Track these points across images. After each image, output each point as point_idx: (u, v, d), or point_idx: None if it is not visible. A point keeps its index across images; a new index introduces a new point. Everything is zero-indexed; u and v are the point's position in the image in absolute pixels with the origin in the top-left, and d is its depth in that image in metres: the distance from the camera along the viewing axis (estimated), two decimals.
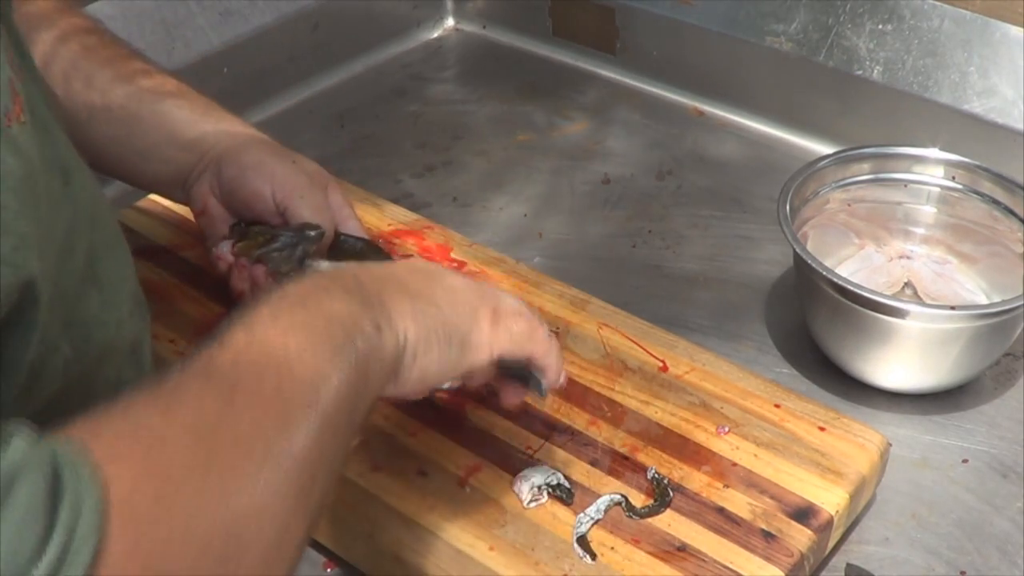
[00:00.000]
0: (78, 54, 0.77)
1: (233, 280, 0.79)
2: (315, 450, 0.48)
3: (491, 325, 0.62)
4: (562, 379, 0.67)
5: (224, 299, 0.84)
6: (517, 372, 0.65)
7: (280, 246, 0.76)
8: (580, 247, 1.01)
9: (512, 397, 0.68)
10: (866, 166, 0.91)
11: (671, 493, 0.69)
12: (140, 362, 0.63)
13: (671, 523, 0.68)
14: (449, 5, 1.36)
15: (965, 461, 0.80)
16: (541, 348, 0.64)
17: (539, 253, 1.00)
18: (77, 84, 0.77)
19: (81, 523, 0.39)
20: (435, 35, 1.35)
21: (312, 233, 0.76)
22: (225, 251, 0.79)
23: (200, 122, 0.79)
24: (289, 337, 0.51)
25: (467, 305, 0.61)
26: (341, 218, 0.80)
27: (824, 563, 0.72)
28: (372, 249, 0.80)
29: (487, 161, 1.13)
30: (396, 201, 0.97)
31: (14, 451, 0.39)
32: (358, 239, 0.80)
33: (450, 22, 1.36)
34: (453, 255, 0.89)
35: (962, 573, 0.72)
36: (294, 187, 0.77)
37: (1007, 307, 0.79)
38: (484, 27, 1.35)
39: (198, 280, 0.86)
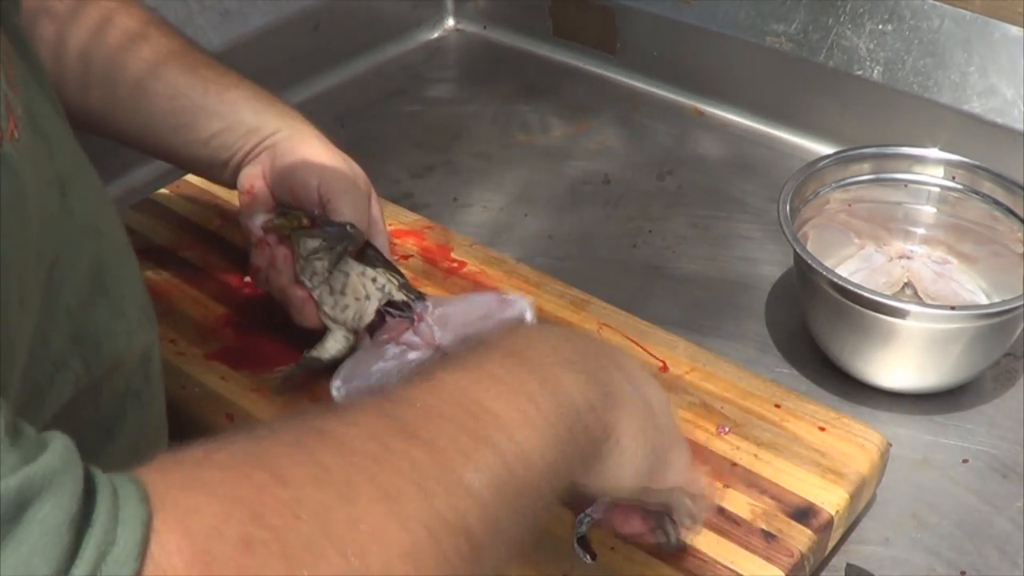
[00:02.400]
0: (123, 42, 0.78)
1: (253, 256, 0.80)
2: (491, 508, 0.43)
3: (685, 454, 0.58)
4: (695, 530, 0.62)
5: (224, 299, 0.84)
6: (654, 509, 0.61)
7: (322, 240, 0.76)
8: (580, 247, 1.01)
9: (637, 529, 0.62)
10: (866, 166, 0.91)
11: None
12: (149, 373, 0.62)
13: None
14: (449, 5, 1.36)
15: (965, 461, 0.80)
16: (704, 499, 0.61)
17: (539, 253, 1.00)
18: (122, 75, 0.78)
19: (115, 548, 0.34)
20: (435, 35, 1.35)
21: (352, 231, 0.76)
22: (257, 224, 0.80)
23: (264, 111, 0.81)
24: (487, 380, 0.47)
25: (671, 422, 0.58)
26: (373, 233, 0.81)
27: (824, 563, 0.72)
28: (392, 268, 0.80)
29: (487, 161, 1.13)
30: (396, 201, 0.97)
31: (51, 455, 0.34)
32: (381, 255, 0.80)
33: (450, 22, 1.36)
34: (453, 255, 0.89)
35: (962, 573, 0.72)
36: (339, 184, 0.79)
37: (1007, 307, 0.78)
38: (484, 27, 1.35)
39: (198, 280, 0.86)
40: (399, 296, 0.78)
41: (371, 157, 1.12)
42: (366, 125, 1.19)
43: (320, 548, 0.37)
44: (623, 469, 0.53)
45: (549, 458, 0.47)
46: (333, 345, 0.77)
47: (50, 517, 0.33)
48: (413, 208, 0.97)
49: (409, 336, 0.76)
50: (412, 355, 0.75)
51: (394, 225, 0.92)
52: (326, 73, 1.25)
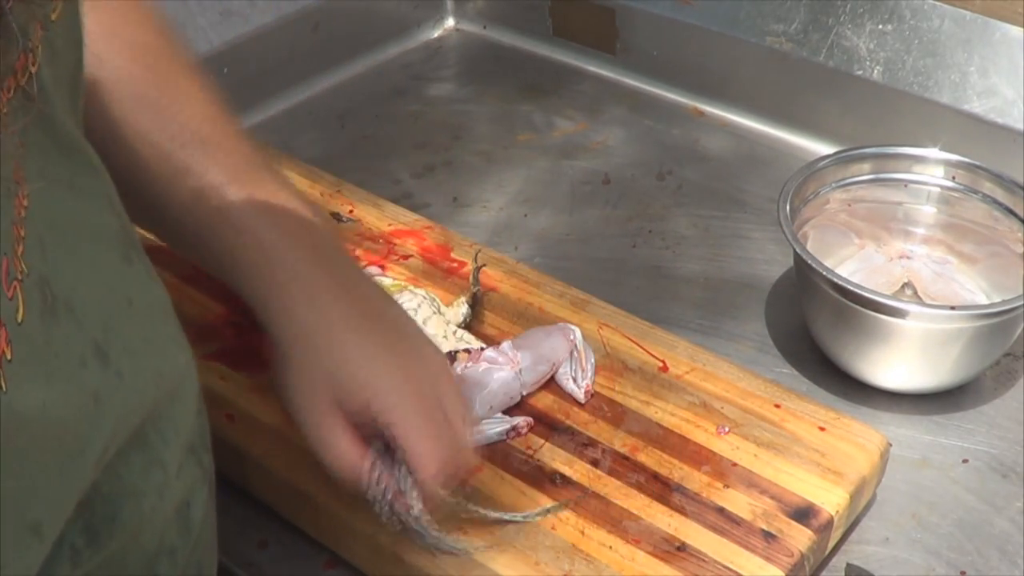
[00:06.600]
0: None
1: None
2: None
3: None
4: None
5: (224, 299, 0.84)
6: None
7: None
8: (580, 247, 1.01)
9: None
10: (866, 166, 0.91)
11: None
12: (188, 522, 0.52)
13: (671, 523, 0.68)
14: (449, 5, 1.36)
15: (965, 461, 0.80)
16: None
17: (539, 253, 1.00)
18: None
19: None
20: (435, 35, 1.35)
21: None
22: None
23: (257, 277, 0.62)
24: None
25: None
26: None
27: (824, 563, 0.72)
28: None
29: (487, 161, 1.13)
30: (396, 201, 0.97)
31: None
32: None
33: (450, 22, 1.36)
34: (453, 255, 0.89)
35: (962, 573, 0.72)
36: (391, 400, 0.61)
37: (1007, 307, 0.78)
38: (484, 27, 1.35)
39: (198, 280, 0.86)
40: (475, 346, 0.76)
41: (371, 157, 1.14)
42: (366, 125, 1.19)
43: None
44: None
45: None
46: None
47: None
48: (413, 208, 0.97)
49: (490, 353, 0.75)
50: (497, 374, 0.74)
51: (394, 225, 0.92)
52: (326, 73, 1.25)
